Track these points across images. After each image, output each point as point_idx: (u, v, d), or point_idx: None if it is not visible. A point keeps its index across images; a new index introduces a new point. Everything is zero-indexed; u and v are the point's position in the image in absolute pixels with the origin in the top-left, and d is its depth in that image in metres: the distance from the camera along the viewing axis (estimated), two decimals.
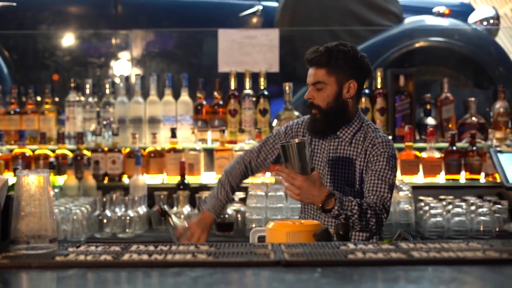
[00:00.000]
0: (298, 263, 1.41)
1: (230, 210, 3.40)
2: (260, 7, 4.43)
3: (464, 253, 1.49)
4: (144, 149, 3.83)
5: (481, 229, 3.28)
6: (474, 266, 1.39)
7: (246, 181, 3.47)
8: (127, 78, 4.04)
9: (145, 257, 1.45)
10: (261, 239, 2.01)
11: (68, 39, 4.41)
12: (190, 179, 3.71)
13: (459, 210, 3.32)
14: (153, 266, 1.40)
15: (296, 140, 2.32)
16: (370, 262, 1.41)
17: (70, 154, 3.77)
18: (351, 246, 1.57)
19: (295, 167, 2.31)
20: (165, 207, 2.81)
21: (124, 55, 4.33)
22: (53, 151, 3.83)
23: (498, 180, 3.63)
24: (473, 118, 3.97)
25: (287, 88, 3.86)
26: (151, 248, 1.54)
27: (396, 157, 2.70)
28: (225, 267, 1.39)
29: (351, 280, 1.30)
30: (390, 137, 2.76)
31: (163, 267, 1.39)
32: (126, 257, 1.45)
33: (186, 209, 3.46)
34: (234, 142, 3.83)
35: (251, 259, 1.43)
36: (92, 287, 1.28)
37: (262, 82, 3.89)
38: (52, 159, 3.72)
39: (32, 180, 1.55)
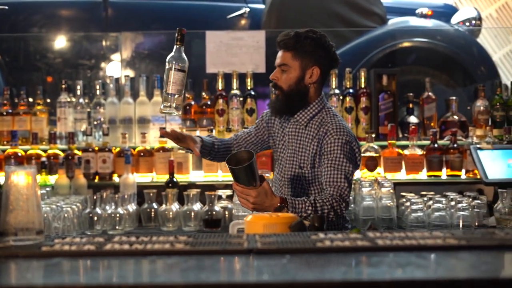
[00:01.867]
0: (269, 251, 1.50)
1: (217, 207, 3.50)
2: (247, 9, 4.54)
3: (425, 240, 1.59)
4: (134, 148, 3.93)
5: (461, 223, 3.38)
6: (433, 252, 1.49)
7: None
8: (117, 80, 4.14)
9: (126, 246, 1.55)
10: (241, 231, 2.11)
11: (59, 42, 4.50)
12: (178, 178, 3.81)
13: (439, 205, 3.42)
14: (133, 255, 1.50)
15: (244, 158, 2.45)
16: (337, 249, 1.51)
17: (62, 154, 3.86)
18: (321, 235, 1.67)
19: (246, 183, 2.46)
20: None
21: (114, 57, 4.43)
22: (45, 151, 3.92)
23: (478, 176, 3.73)
24: (455, 116, 4.08)
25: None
26: (133, 239, 1.64)
27: (354, 143, 2.75)
28: (201, 255, 1.49)
29: (316, 265, 1.40)
30: (348, 124, 2.87)
31: (142, 256, 1.49)
32: (108, 247, 1.54)
33: (175, 206, 3.55)
34: None
35: (225, 248, 1.53)
36: (75, 274, 1.38)
37: (249, 83, 3.99)
38: (43, 159, 3.81)
39: (20, 176, 1.65)
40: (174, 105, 2.57)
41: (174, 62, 2.57)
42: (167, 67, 2.57)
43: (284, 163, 2.87)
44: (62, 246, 1.55)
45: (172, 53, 2.59)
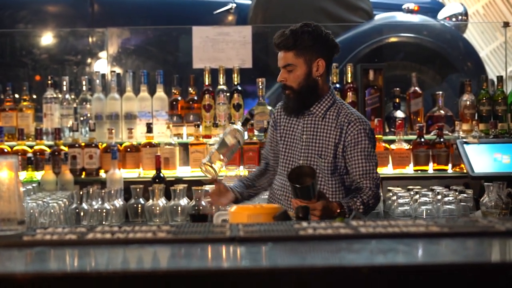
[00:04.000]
0: (251, 239, 1.50)
1: (204, 202, 3.49)
2: (234, 5, 4.53)
3: (408, 228, 1.59)
4: (121, 144, 3.91)
5: (447, 217, 3.39)
6: (416, 239, 1.49)
7: (220, 174, 3.60)
8: (103, 75, 4.11)
9: (108, 236, 1.54)
10: (225, 222, 2.11)
11: (45, 38, 4.48)
12: (165, 173, 3.79)
13: (426, 199, 3.43)
14: (115, 243, 1.49)
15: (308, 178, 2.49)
16: (319, 237, 1.51)
17: (48, 150, 3.84)
18: (304, 224, 1.67)
19: (306, 198, 2.47)
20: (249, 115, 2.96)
21: (100, 53, 4.41)
22: (31, 147, 3.89)
23: (465, 171, 3.75)
24: (441, 111, 4.09)
25: (260, 83, 3.95)
26: (115, 228, 1.63)
27: (373, 130, 2.91)
28: (183, 243, 1.48)
29: (297, 252, 1.40)
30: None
31: (124, 244, 1.48)
32: (90, 236, 1.54)
33: (162, 201, 3.54)
34: (209, 137, 3.92)
35: (208, 236, 1.52)
36: (56, 262, 1.37)
37: (236, 78, 3.99)
38: (30, 155, 3.78)
39: (1, 167, 1.63)
40: (216, 171, 2.83)
41: (241, 141, 2.88)
42: (234, 140, 2.72)
43: (298, 155, 2.90)
44: (44, 236, 1.54)
45: (242, 130, 2.88)
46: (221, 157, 2.81)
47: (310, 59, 2.79)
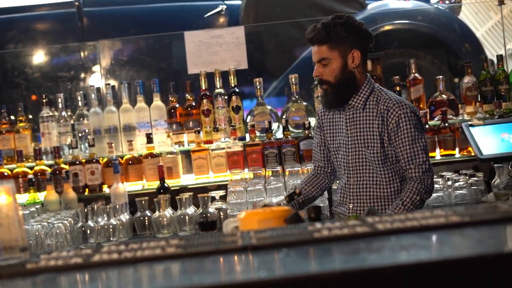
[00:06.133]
0: (265, 246, 1.43)
1: (211, 209, 3.42)
2: (224, 6, 4.47)
3: (427, 220, 1.52)
4: (122, 157, 3.85)
5: (460, 202, 3.32)
6: (436, 231, 1.43)
7: (225, 177, 3.54)
8: (98, 89, 4.05)
9: (115, 256, 1.47)
10: (236, 229, 2.04)
11: (36, 56, 4.42)
12: (169, 183, 3.73)
13: (436, 186, 3.36)
14: (123, 264, 1.42)
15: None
16: (335, 238, 1.45)
17: (49, 170, 3.78)
18: (318, 225, 1.60)
19: None
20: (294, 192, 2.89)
21: (93, 66, 4.35)
22: (31, 168, 3.83)
23: (473, 154, 3.68)
24: (443, 96, 4.03)
25: (257, 83, 3.89)
26: (122, 247, 1.56)
27: (416, 111, 2.84)
28: (194, 257, 1.42)
29: (315, 256, 1.34)
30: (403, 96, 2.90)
31: (133, 264, 1.42)
32: (96, 258, 1.47)
33: (168, 212, 3.48)
34: (210, 142, 3.86)
35: (219, 247, 1.45)
36: None
37: (232, 80, 3.92)
38: (31, 176, 3.72)
39: None
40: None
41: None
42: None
43: (346, 150, 2.88)
44: (48, 262, 1.47)
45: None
46: None
47: (345, 51, 2.75)
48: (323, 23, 2.75)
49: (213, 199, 3.51)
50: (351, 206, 2.85)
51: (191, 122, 3.92)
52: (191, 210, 3.44)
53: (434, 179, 3.39)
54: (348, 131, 2.87)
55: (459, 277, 1.16)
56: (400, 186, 2.83)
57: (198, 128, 3.84)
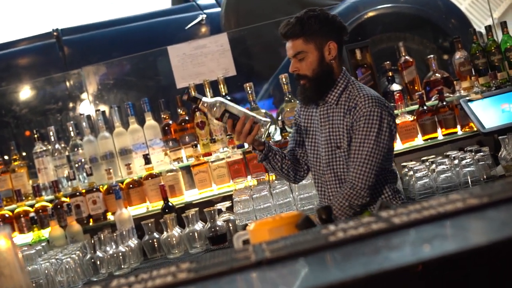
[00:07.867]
0: (280, 258, 1.36)
1: (220, 222, 3.35)
2: (204, 16, 4.41)
3: (444, 207, 1.45)
4: (122, 182, 3.78)
5: (469, 180, 3.26)
6: (456, 218, 1.36)
7: (229, 188, 3.46)
8: (88, 116, 3.98)
9: None
10: (247, 242, 1.97)
11: (22, 92, 4.36)
12: (174, 201, 3.66)
13: (443, 167, 3.29)
14: None
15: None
16: (352, 239, 1.38)
17: (50, 205, 3.71)
18: (332, 228, 1.53)
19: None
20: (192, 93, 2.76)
21: (81, 95, 4.28)
22: (32, 206, 3.76)
23: (475, 129, 3.62)
24: (437, 75, 3.96)
25: (248, 88, 3.82)
26: (131, 279, 1.49)
27: (384, 112, 2.61)
28: (207, 280, 1.35)
29: (333, 261, 1.27)
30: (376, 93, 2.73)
31: None
32: None
33: (176, 231, 3.41)
34: (209, 154, 3.78)
35: (232, 266, 1.39)
36: None
37: (223, 88, 3.85)
38: (32, 214, 3.66)
39: None
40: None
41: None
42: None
43: (319, 148, 2.76)
44: None
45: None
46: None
47: (321, 43, 2.66)
48: (296, 17, 2.68)
49: (219, 211, 3.45)
50: None
51: (187, 137, 3.85)
52: (199, 226, 3.37)
53: (440, 160, 3.33)
54: (321, 128, 2.74)
55: (490, 264, 1.09)
56: (374, 187, 2.68)
57: (195, 142, 3.77)
